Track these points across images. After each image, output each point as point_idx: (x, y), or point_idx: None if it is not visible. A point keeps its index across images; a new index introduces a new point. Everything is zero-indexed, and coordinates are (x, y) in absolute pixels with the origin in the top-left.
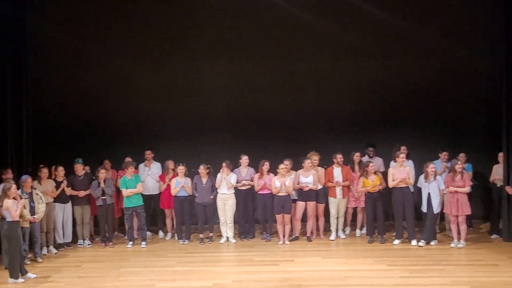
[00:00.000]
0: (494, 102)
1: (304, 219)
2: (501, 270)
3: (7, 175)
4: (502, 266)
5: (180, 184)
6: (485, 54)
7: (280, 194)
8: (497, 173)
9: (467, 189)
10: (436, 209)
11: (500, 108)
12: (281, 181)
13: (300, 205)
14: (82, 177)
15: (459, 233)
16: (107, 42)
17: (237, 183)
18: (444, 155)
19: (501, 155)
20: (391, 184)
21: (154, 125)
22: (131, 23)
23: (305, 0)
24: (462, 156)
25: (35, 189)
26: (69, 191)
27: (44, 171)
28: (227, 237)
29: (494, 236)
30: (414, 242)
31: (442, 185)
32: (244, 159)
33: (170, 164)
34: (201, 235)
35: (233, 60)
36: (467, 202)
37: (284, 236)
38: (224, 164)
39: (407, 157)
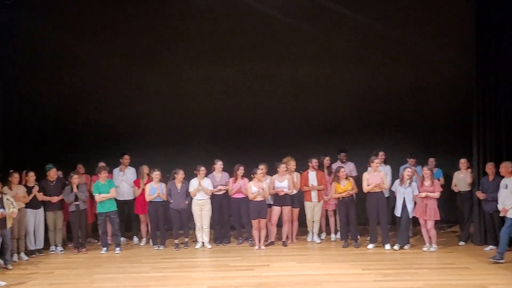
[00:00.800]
0: (467, 108)
1: (279, 224)
2: (472, 273)
3: None
4: (473, 269)
5: (155, 192)
6: (459, 61)
7: (256, 199)
8: (457, 179)
9: (437, 194)
10: (410, 213)
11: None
12: (258, 186)
13: (276, 210)
14: (54, 182)
15: (430, 237)
16: (83, 45)
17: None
18: (411, 161)
19: (462, 162)
20: (365, 189)
21: (129, 129)
22: (110, 26)
23: (286, 5)
24: (431, 161)
25: (5, 194)
26: (41, 197)
27: (15, 176)
28: (203, 243)
29: (461, 243)
30: (388, 246)
31: (416, 190)
32: (219, 165)
33: (145, 169)
34: (176, 241)
35: (213, 65)
36: (436, 207)
37: (259, 241)
38: (200, 169)
39: (385, 162)
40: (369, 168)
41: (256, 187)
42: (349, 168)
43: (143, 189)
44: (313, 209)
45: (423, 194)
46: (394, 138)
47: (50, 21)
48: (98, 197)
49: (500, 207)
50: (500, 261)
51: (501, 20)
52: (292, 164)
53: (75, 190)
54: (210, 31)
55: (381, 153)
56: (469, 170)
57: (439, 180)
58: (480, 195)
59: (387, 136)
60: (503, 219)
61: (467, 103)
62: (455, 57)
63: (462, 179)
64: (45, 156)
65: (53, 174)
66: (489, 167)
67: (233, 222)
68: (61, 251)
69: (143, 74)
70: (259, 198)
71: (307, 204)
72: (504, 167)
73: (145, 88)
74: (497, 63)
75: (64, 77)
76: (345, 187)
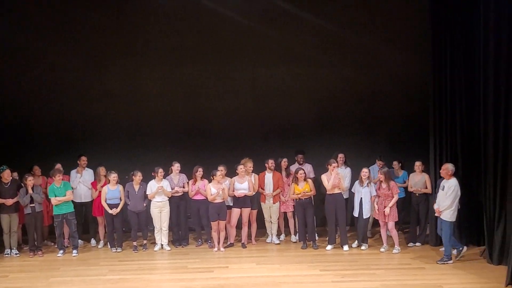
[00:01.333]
0: (425, 111)
1: (238, 226)
2: (427, 273)
3: None
4: (428, 269)
5: (113, 195)
6: (416, 64)
7: (216, 201)
8: (412, 181)
9: (396, 198)
10: (366, 214)
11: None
12: (217, 188)
13: (235, 211)
14: (9, 184)
15: (389, 238)
16: (41, 44)
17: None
18: (379, 163)
19: (417, 164)
20: (328, 186)
21: (87, 130)
22: (69, 25)
23: (244, 7)
24: (395, 164)
25: None
26: None
27: None
28: (162, 245)
29: (418, 244)
30: (346, 247)
31: (374, 191)
32: (176, 166)
33: (102, 170)
34: (134, 243)
35: (170, 66)
36: (395, 208)
37: (219, 243)
38: (159, 171)
39: (345, 164)
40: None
41: (216, 188)
42: (307, 169)
43: (100, 191)
44: (270, 210)
45: (388, 209)
46: (353, 140)
47: (6, 19)
48: (54, 200)
49: (435, 207)
50: (449, 262)
51: (455, 22)
52: (249, 165)
53: (30, 192)
54: (168, 32)
55: (340, 155)
56: (423, 173)
57: (405, 182)
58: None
59: (345, 138)
60: (458, 221)
61: (424, 106)
62: (412, 60)
63: (417, 181)
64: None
65: (6, 175)
66: (444, 169)
67: (192, 224)
68: (16, 254)
69: (101, 74)
70: (218, 200)
71: (263, 205)
72: (445, 169)
73: (102, 88)
74: (452, 66)
75: (20, 76)
76: (302, 188)
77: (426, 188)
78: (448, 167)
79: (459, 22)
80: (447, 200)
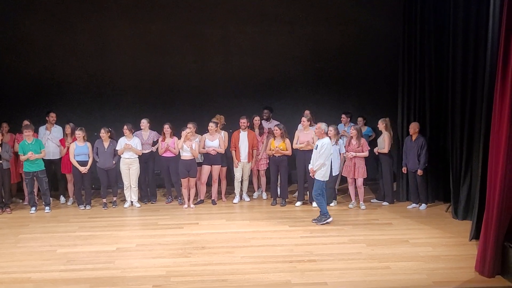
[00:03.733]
0: (395, 70)
1: (208, 183)
2: (394, 228)
3: None
4: (395, 224)
5: (81, 151)
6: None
7: (185, 158)
8: (378, 142)
9: (365, 153)
10: (335, 171)
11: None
12: (188, 145)
13: (206, 168)
14: None
15: (357, 195)
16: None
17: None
18: (343, 118)
19: (380, 123)
20: (295, 146)
21: (56, 87)
22: None
23: None
24: (360, 120)
25: None
26: None
27: None
28: (131, 202)
29: (385, 203)
30: (315, 204)
31: (343, 149)
32: (144, 122)
33: (68, 128)
34: (104, 200)
35: (140, 23)
36: (363, 166)
37: (189, 199)
38: (125, 127)
39: (313, 122)
40: (299, 126)
41: (186, 145)
42: (272, 125)
43: (68, 148)
44: (243, 168)
45: (351, 155)
46: (325, 97)
47: None
48: (23, 157)
49: (310, 167)
50: (329, 220)
51: None
52: (222, 122)
53: None
54: None
55: (306, 112)
56: (385, 132)
57: (370, 137)
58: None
59: (317, 95)
60: (426, 178)
61: (395, 64)
62: (383, 19)
63: (380, 140)
64: None
65: None
66: (412, 127)
67: (162, 181)
68: None
69: (69, 31)
70: (188, 157)
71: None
72: (318, 128)
73: (71, 45)
74: (422, 24)
75: None
76: (279, 145)
77: (384, 148)
78: (320, 126)
79: None
80: (320, 159)
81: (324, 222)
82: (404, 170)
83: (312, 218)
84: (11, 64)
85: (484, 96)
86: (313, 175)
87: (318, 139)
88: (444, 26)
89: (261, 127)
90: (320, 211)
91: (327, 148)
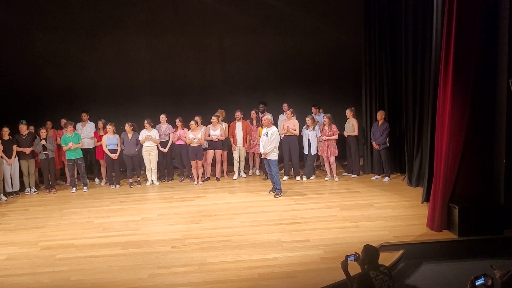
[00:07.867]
0: (360, 68)
1: (213, 163)
2: (362, 195)
3: None
4: (363, 192)
5: (111, 141)
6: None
7: (193, 144)
8: (346, 126)
9: (336, 136)
10: (313, 151)
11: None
12: (195, 134)
13: (210, 152)
14: (26, 136)
15: (331, 170)
16: (37, 23)
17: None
18: (313, 109)
19: (347, 111)
20: (281, 132)
21: (88, 92)
22: (70, 6)
23: None
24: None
25: None
26: (16, 149)
27: None
28: (152, 181)
29: (353, 176)
30: (298, 178)
31: (319, 133)
32: (162, 117)
33: (101, 123)
34: (130, 180)
35: (152, 37)
36: (335, 146)
37: (198, 177)
38: (146, 122)
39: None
40: (282, 116)
41: (193, 135)
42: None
43: (101, 139)
44: (240, 151)
45: (324, 138)
46: (303, 92)
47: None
48: (65, 147)
49: (261, 151)
50: (281, 194)
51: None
52: (223, 115)
53: (43, 142)
54: (150, 9)
55: (284, 104)
56: (353, 119)
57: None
58: (374, 144)
59: (296, 91)
60: (386, 154)
61: (358, 65)
62: (348, 28)
63: (348, 125)
64: (19, 115)
65: (23, 128)
66: (379, 114)
67: (176, 163)
68: (35, 192)
69: (96, 45)
70: (195, 144)
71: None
72: (265, 119)
73: (97, 56)
74: (380, 30)
75: (34, 50)
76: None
77: (354, 132)
78: (267, 118)
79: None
80: (272, 144)
81: (281, 195)
82: (374, 144)
83: (269, 190)
84: (51, 74)
85: (430, 88)
86: (265, 157)
87: (266, 128)
88: (397, 33)
89: (258, 119)
90: (275, 185)
91: (276, 135)
